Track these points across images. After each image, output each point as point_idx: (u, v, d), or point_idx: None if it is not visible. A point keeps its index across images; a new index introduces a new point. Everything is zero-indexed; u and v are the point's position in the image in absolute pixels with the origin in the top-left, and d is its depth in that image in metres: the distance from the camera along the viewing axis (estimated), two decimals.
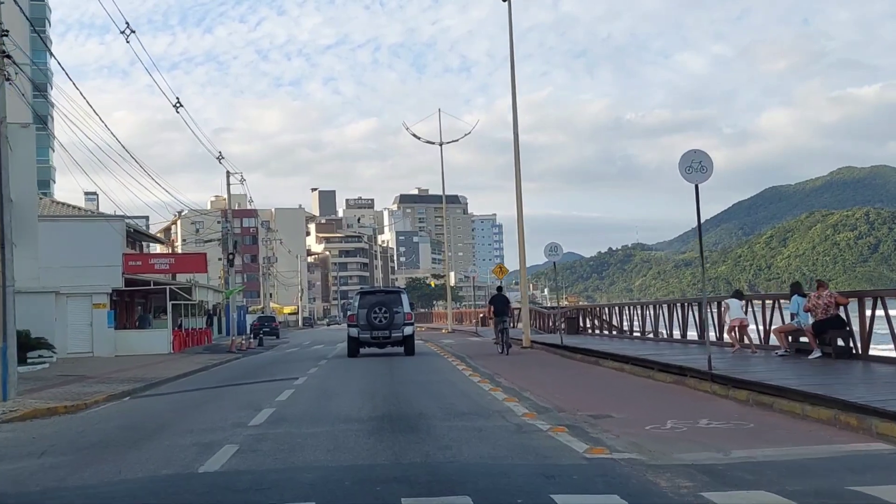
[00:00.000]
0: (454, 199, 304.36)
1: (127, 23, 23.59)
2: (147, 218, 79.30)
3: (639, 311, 31.78)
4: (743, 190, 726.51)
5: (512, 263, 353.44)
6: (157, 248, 70.87)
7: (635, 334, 30.97)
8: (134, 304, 40.46)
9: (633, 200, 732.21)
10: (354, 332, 29.35)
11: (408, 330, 29.50)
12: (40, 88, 34.50)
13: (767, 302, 21.33)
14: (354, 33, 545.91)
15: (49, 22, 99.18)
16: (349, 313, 30.85)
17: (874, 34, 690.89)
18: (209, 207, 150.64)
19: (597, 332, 35.77)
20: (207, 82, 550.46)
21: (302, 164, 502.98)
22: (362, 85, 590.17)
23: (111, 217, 34.85)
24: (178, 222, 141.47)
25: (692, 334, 25.23)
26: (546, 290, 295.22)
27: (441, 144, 51.99)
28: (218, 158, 43.66)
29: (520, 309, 34.61)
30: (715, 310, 23.63)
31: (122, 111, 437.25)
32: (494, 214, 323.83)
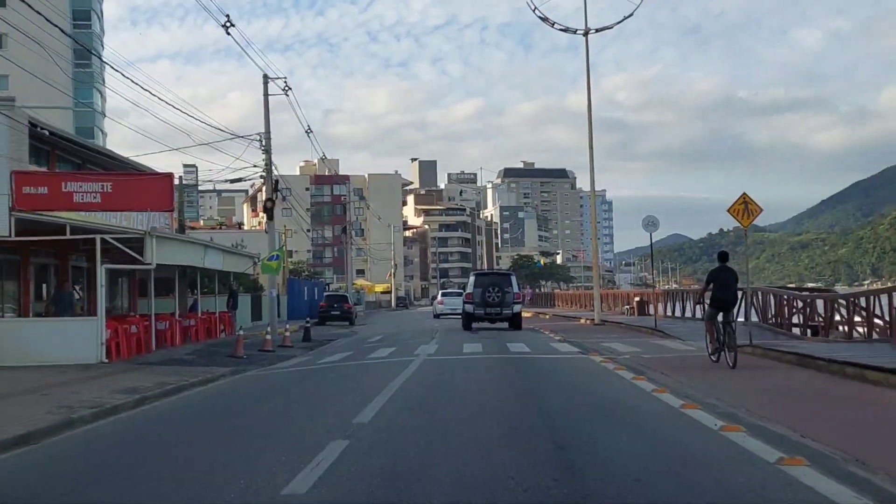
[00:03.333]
0: (562, 174, 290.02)
1: (227, 16, 26.28)
2: (195, 167, 67.28)
3: None
4: (860, 170, 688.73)
5: (623, 244, 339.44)
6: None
7: None
8: (66, 269, 24.81)
9: (742, 180, 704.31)
10: (470, 308, 32.60)
11: (516, 308, 32.48)
12: None
13: None
14: (463, 13, 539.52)
15: None
16: (466, 291, 33.99)
17: None
18: (298, 173, 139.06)
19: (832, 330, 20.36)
20: (319, 64, 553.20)
21: (406, 145, 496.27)
22: (469, 65, 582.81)
23: None
24: (263, 189, 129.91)
25: None
26: (648, 273, 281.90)
27: (586, 33, 35.96)
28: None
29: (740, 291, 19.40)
30: None
31: (237, 92, 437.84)
32: (604, 190, 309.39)
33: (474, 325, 32.48)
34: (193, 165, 68.52)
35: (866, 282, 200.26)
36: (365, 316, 72.88)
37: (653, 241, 31.06)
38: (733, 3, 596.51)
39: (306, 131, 42.21)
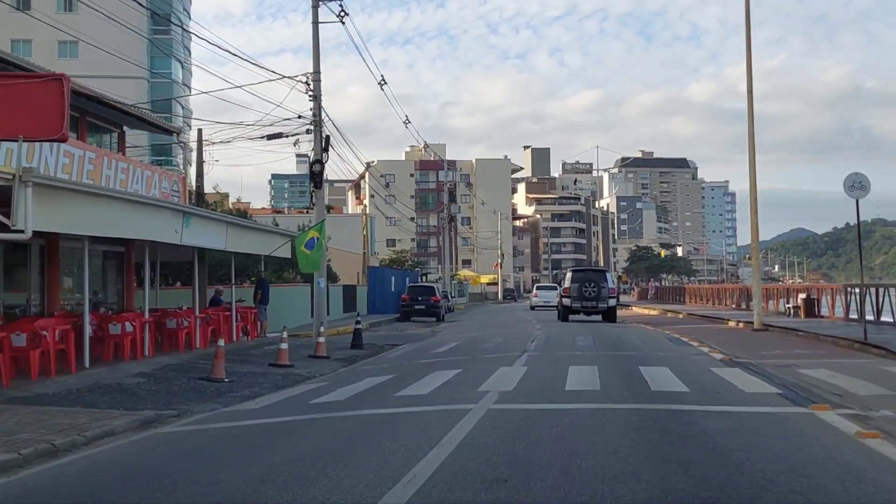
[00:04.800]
0: (682, 163, 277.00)
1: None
2: (308, 157, 61.88)
3: None
4: None
5: (745, 237, 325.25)
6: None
7: None
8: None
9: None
10: (567, 301, 34.19)
11: (611, 302, 34.13)
12: None
13: None
14: (583, 4, 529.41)
15: None
16: (563, 286, 35.69)
17: None
18: (403, 159, 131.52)
19: None
20: (438, 56, 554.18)
21: (524, 137, 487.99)
22: (587, 55, 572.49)
23: None
24: (367, 175, 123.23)
25: None
26: (776, 267, 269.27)
27: None
28: None
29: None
30: None
31: (356, 86, 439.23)
32: (727, 181, 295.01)
33: (571, 317, 34.05)
34: (306, 155, 63.01)
35: None
36: (464, 310, 64.46)
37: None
38: None
39: (404, 122, 39.40)
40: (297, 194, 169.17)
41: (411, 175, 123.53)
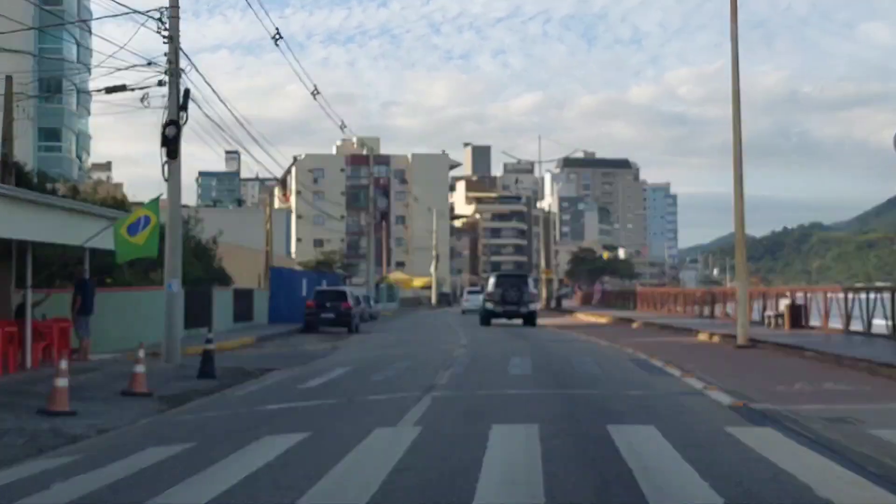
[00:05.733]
0: (625, 164, 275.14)
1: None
2: (237, 154, 56.04)
3: None
4: None
5: (685, 241, 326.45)
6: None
7: None
8: None
9: (807, 178, 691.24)
10: (490, 305, 35.21)
11: (532, 307, 35.08)
12: None
13: None
14: (526, 5, 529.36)
15: None
16: (487, 290, 36.42)
17: None
18: (334, 153, 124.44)
19: None
20: (380, 55, 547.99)
21: (466, 138, 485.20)
22: (530, 58, 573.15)
23: None
24: (294, 170, 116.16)
25: None
26: (716, 271, 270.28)
27: None
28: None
29: None
30: None
31: (295, 85, 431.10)
32: (668, 183, 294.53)
33: (493, 320, 34.84)
34: (235, 152, 56.51)
35: None
36: (391, 316, 58.10)
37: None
38: None
39: (312, 93, 34.91)
40: (225, 192, 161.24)
41: (342, 170, 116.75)
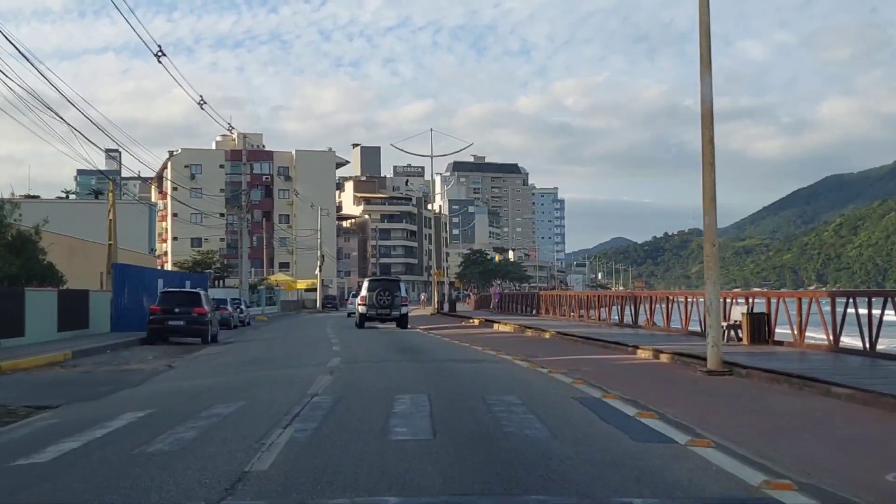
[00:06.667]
0: (514, 169, 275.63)
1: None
2: (119, 153, 50.78)
3: None
4: (800, 178, 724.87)
5: (571, 245, 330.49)
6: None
7: None
8: None
9: (686, 187, 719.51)
10: (363, 309, 36.10)
11: (403, 310, 36.18)
12: None
13: None
14: (416, 15, 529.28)
15: None
16: (360, 294, 37.41)
17: None
18: (213, 148, 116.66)
19: None
20: (270, 61, 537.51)
21: (355, 143, 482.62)
22: (421, 67, 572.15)
23: None
24: (170, 165, 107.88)
25: None
26: (600, 275, 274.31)
27: None
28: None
29: None
30: None
31: (180, 89, 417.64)
32: (556, 188, 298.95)
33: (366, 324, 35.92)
34: (117, 151, 49.75)
35: (811, 287, 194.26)
36: (267, 321, 52.24)
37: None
38: (682, 12, 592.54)
39: (199, 103, 37.94)
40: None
41: (221, 166, 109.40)
